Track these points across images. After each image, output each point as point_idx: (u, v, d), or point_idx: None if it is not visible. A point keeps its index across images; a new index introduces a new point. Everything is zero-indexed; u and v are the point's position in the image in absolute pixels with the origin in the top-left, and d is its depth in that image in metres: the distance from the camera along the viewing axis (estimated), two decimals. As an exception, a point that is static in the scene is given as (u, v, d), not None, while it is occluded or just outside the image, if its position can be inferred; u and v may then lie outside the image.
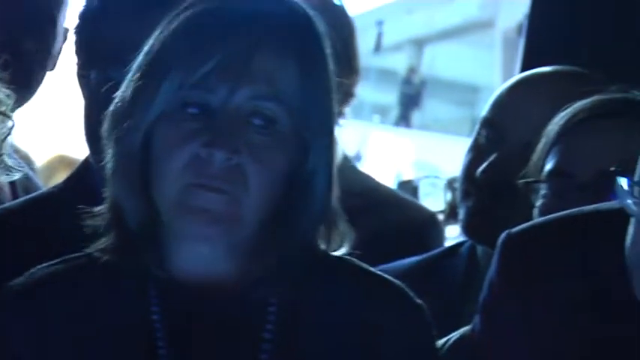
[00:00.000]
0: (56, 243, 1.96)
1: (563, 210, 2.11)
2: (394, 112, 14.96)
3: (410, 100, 14.31)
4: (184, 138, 1.81)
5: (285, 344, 1.87)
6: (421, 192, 4.73)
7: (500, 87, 2.53)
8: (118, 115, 1.87)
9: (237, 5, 1.87)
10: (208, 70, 1.80)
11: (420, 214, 2.88)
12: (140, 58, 1.87)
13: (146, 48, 1.87)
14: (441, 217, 3.73)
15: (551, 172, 2.22)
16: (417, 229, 2.75)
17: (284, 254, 1.86)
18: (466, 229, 2.47)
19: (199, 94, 1.82)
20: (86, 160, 2.28)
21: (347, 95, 2.69)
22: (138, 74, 1.86)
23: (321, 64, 1.87)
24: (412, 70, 13.91)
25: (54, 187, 2.38)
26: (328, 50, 1.87)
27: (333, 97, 1.88)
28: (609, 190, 1.91)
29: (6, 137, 2.18)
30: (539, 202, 2.20)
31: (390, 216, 2.74)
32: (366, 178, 2.89)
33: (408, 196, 3.31)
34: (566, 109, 2.24)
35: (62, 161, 4.98)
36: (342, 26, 2.71)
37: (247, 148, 1.80)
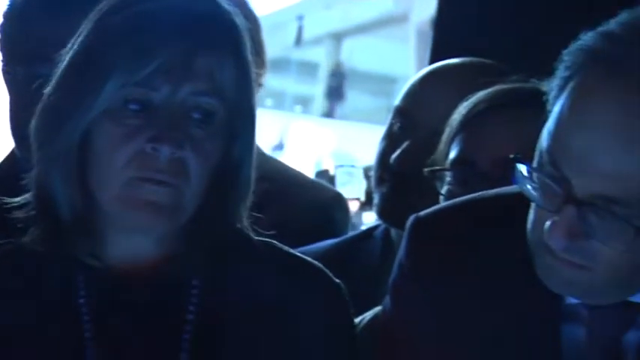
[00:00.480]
0: None
1: (465, 195, 2.09)
2: (315, 103, 14.95)
3: (335, 92, 14.30)
4: (128, 134, 1.80)
5: (208, 324, 1.87)
6: (338, 181, 4.72)
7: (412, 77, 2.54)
8: (52, 111, 1.86)
9: (173, 7, 1.87)
10: (153, 70, 1.80)
11: (324, 193, 2.89)
12: (72, 55, 1.85)
13: (78, 46, 1.85)
14: (358, 204, 3.73)
15: (454, 160, 2.23)
16: (323, 208, 2.75)
17: (211, 236, 1.87)
18: (380, 213, 2.46)
19: (142, 92, 1.81)
20: (12, 153, 2.27)
21: (257, 86, 2.72)
22: (74, 72, 1.86)
23: (248, 59, 1.87)
24: (338, 65, 13.89)
25: None
26: (249, 45, 1.88)
27: (254, 88, 1.90)
28: (509, 177, 1.90)
29: None
30: (444, 189, 2.21)
31: (297, 197, 2.74)
32: (274, 162, 2.89)
33: (313, 178, 3.31)
34: (469, 99, 2.25)
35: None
36: (254, 24, 2.72)
37: (189, 141, 1.81)
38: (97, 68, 1.83)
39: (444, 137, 2.25)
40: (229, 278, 1.90)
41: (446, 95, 2.42)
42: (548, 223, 1.66)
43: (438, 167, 2.23)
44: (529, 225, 1.72)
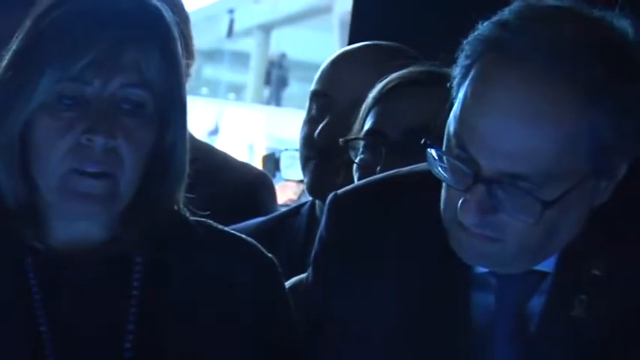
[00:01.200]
0: None
1: (376, 163, 2.18)
2: (247, 91, 14.94)
3: (280, 81, 14.33)
4: (64, 127, 1.79)
5: (151, 299, 1.86)
6: (282, 164, 4.72)
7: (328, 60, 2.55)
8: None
9: (101, 5, 1.86)
10: (84, 65, 1.79)
11: (250, 173, 2.90)
12: (11, 53, 1.84)
13: (16, 44, 1.84)
14: (302, 185, 3.73)
15: (367, 131, 2.23)
16: (249, 187, 2.76)
17: (151, 218, 1.86)
18: (310, 189, 2.48)
19: (76, 87, 1.80)
20: None
21: (186, 76, 2.73)
22: (10, 70, 1.84)
23: (176, 51, 1.87)
24: (282, 56, 13.88)
25: None
26: (177, 37, 1.88)
27: (183, 78, 1.89)
28: (415, 146, 1.92)
29: None
30: (357, 158, 2.22)
31: (225, 176, 2.74)
32: (202, 145, 2.88)
33: (236, 159, 3.33)
34: (384, 79, 2.27)
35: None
36: (181, 17, 2.72)
37: (121, 131, 1.79)
38: (32, 64, 1.82)
39: (361, 112, 2.27)
40: (169, 255, 1.89)
41: (356, 73, 2.44)
42: (460, 202, 1.67)
43: (352, 137, 2.24)
44: (442, 204, 1.73)
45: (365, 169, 2.21)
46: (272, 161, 4.88)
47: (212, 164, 2.72)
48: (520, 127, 1.63)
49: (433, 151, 1.69)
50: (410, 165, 1.97)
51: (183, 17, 2.75)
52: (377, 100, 2.26)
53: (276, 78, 14.38)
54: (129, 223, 1.86)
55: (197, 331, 1.87)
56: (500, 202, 1.66)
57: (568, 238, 1.73)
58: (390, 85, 2.26)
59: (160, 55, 1.82)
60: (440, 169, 1.69)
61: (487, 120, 1.64)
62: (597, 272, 1.73)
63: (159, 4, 1.89)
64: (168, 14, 1.87)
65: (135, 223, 1.86)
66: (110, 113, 1.79)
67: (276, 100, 14.59)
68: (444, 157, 1.68)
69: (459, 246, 1.72)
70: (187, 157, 1.90)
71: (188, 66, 2.74)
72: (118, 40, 1.80)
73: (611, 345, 1.74)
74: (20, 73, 1.83)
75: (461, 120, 1.67)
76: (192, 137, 2.91)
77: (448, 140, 1.68)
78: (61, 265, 1.86)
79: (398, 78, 2.26)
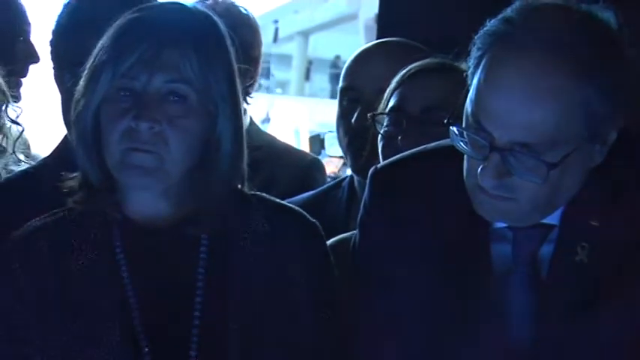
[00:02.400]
0: (47, 200, 1.91)
1: (397, 134, 2.17)
2: (291, 86, 14.96)
3: (334, 78, 14.34)
4: (120, 114, 1.79)
5: (217, 268, 1.85)
6: (327, 143, 4.84)
7: (348, 62, 2.52)
8: (75, 103, 1.85)
9: (151, 15, 1.86)
10: (131, 63, 1.79)
11: (306, 158, 2.87)
12: (90, 60, 1.85)
13: (93, 53, 1.85)
14: (342, 161, 3.73)
15: (391, 108, 2.21)
16: (306, 169, 2.73)
17: (205, 196, 1.84)
18: (354, 170, 2.45)
19: (127, 82, 1.80)
20: (65, 137, 2.22)
21: (252, 78, 2.69)
22: (87, 71, 1.84)
23: (220, 55, 1.85)
24: (337, 57, 13.85)
25: (44, 158, 2.32)
26: (226, 43, 1.86)
27: (233, 77, 1.87)
28: (430, 121, 2.05)
29: (18, 139, 2.16)
30: (382, 130, 2.20)
31: (286, 161, 2.71)
32: (265, 135, 2.86)
33: (294, 147, 3.32)
34: (405, 67, 2.25)
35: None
36: (245, 28, 2.68)
37: (166, 118, 1.78)
38: (97, 66, 1.82)
39: (385, 94, 2.24)
40: (229, 226, 1.86)
41: (377, 66, 2.40)
42: (479, 169, 1.66)
43: (379, 112, 2.22)
44: (465, 172, 1.72)
45: (388, 139, 2.20)
46: (317, 141, 4.91)
47: (275, 151, 2.71)
48: (526, 103, 1.62)
49: (455, 129, 1.68)
50: (425, 135, 1.99)
51: (250, 28, 2.73)
52: (399, 83, 2.23)
53: (332, 75, 14.36)
54: (185, 198, 1.84)
55: (254, 291, 1.86)
56: (513, 167, 1.65)
57: (570, 195, 1.71)
58: (411, 72, 2.24)
59: (196, 55, 1.80)
60: (461, 143, 1.68)
61: (498, 100, 1.64)
62: (595, 223, 1.71)
63: (204, 13, 1.89)
64: (216, 25, 1.86)
65: (190, 199, 1.83)
66: (155, 103, 1.79)
67: (331, 93, 14.58)
68: (465, 133, 1.67)
69: (480, 206, 1.71)
70: (243, 148, 1.89)
71: (255, 70, 2.74)
72: (158, 43, 1.79)
73: (609, 284, 1.71)
74: (90, 73, 1.83)
75: (476, 101, 1.66)
76: (258, 129, 2.92)
77: (467, 119, 1.67)
78: (139, 235, 1.85)
79: (418, 66, 2.25)
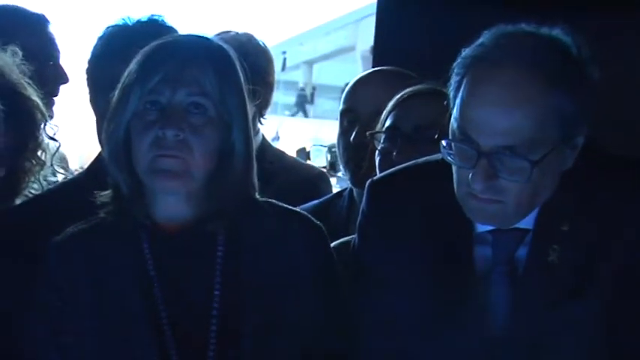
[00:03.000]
0: (80, 210, 1.90)
1: (393, 150, 2.17)
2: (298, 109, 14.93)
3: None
4: (148, 126, 1.79)
5: (232, 265, 1.83)
6: (312, 155, 4.90)
7: (347, 87, 2.51)
8: (107, 121, 1.85)
9: (174, 41, 1.87)
10: (157, 81, 1.79)
11: (312, 172, 2.85)
12: (120, 83, 1.85)
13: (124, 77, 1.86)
14: (325, 170, 3.75)
15: (387, 127, 2.19)
16: (311, 182, 2.71)
17: (221, 199, 1.83)
18: (353, 183, 2.43)
19: (153, 97, 1.79)
20: (99, 154, 2.22)
21: (265, 100, 2.68)
22: (117, 93, 1.84)
23: (232, 74, 1.85)
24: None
25: (79, 173, 2.32)
26: (236, 65, 1.86)
27: (243, 94, 1.86)
28: (421, 138, 2.07)
29: (55, 153, 2.16)
30: (379, 146, 2.18)
31: (292, 175, 2.68)
32: (276, 150, 2.84)
33: (303, 161, 3.29)
34: (397, 92, 2.25)
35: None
36: (260, 56, 2.68)
37: (189, 127, 1.78)
38: (126, 87, 1.82)
39: (383, 114, 2.23)
40: (242, 227, 1.85)
41: (372, 91, 2.38)
42: (470, 175, 1.65)
43: (376, 131, 2.21)
44: (455, 183, 1.71)
45: (384, 154, 2.18)
46: (303, 153, 5.02)
47: (285, 165, 2.69)
48: (505, 111, 1.62)
49: (444, 142, 1.67)
50: (417, 151, 1.98)
51: (264, 57, 2.71)
52: (395, 106, 2.21)
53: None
54: (205, 201, 1.82)
55: (266, 285, 1.84)
56: (499, 170, 1.63)
57: (546, 196, 1.71)
58: (405, 96, 2.22)
59: (214, 73, 1.80)
60: (450, 156, 1.67)
61: (481, 110, 1.63)
62: (565, 228, 1.70)
63: (218, 41, 1.89)
64: (222, 47, 1.86)
65: (209, 202, 1.82)
66: (179, 114, 1.79)
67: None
68: (452, 145, 1.66)
69: (471, 211, 1.70)
70: (252, 157, 1.88)
71: (268, 94, 2.71)
72: (181, 63, 1.79)
73: (577, 282, 1.70)
74: (121, 93, 1.83)
75: (461, 116, 1.65)
76: (270, 145, 2.90)
77: (453, 134, 1.66)
78: (164, 236, 1.84)
79: (411, 91, 2.23)
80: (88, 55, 2.23)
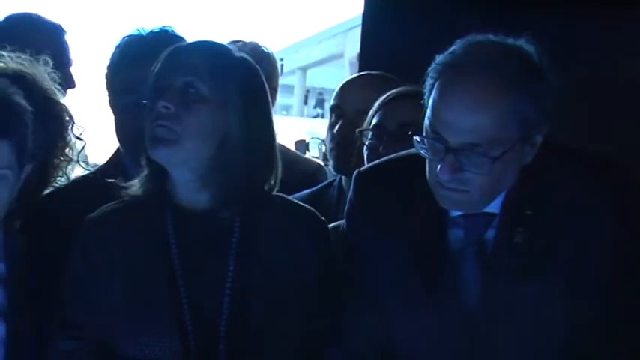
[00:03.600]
0: (103, 197, 1.92)
1: (379, 146, 2.15)
2: (293, 109, 14.84)
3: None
4: (154, 105, 1.79)
5: (246, 248, 1.83)
6: (310, 146, 4.98)
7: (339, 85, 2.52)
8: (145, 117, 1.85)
9: (178, 47, 1.86)
10: (159, 70, 1.80)
11: (312, 165, 2.84)
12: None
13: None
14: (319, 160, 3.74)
15: (374, 125, 2.18)
16: (312, 174, 2.70)
17: (231, 187, 1.82)
18: (335, 169, 2.43)
19: (156, 82, 1.79)
20: (117, 150, 2.22)
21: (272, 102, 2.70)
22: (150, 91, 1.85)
23: (234, 71, 1.83)
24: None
25: (101, 165, 2.32)
26: (238, 67, 1.84)
27: (247, 93, 1.84)
28: (405, 135, 2.01)
29: (81, 151, 2.17)
30: (367, 142, 2.17)
31: (296, 168, 2.67)
32: (279, 146, 2.81)
33: (303, 155, 3.28)
34: (372, 92, 2.25)
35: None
36: (265, 62, 2.65)
37: (182, 104, 1.77)
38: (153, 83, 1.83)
39: (370, 113, 2.22)
40: (257, 218, 1.85)
41: (357, 92, 2.38)
42: (438, 168, 1.65)
43: (364, 129, 2.20)
44: (427, 173, 1.70)
45: (372, 150, 2.16)
46: (303, 144, 5.09)
47: (286, 159, 2.67)
48: (470, 112, 1.62)
49: (417, 138, 1.67)
50: (401, 146, 1.96)
51: (269, 63, 2.69)
52: (380, 106, 2.20)
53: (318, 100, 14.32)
54: (219, 189, 1.81)
55: (275, 266, 1.84)
56: (464, 164, 1.63)
57: (507, 186, 1.70)
58: (390, 97, 2.21)
59: (212, 64, 1.80)
60: (423, 150, 1.67)
61: (449, 111, 1.63)
62: (529, 212, 1.70)
63: (224, 45, 1.88)
64: (227, 50, 1.85)
65: (222, 190, 1.81)
66: (172, 91, 1.78)
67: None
68: (425, 141, 1.66)
69: (440, 199, 1.70)
70: (260, 146, 1.86)
71: (274, 94, 2.67)
72: (182, 53, 1.81)
73: (540, 260, 1.70)
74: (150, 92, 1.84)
75: (432, 115, 1.65)
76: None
77: (426, 130, 1.66)
78: (186, 218, 1.83)
79: (395, 92, 2.22)
80: (106, 62, 2.22)
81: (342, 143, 2.33)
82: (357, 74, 2.53)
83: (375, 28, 3.07)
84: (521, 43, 1.66)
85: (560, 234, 1.69)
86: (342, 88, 2.45)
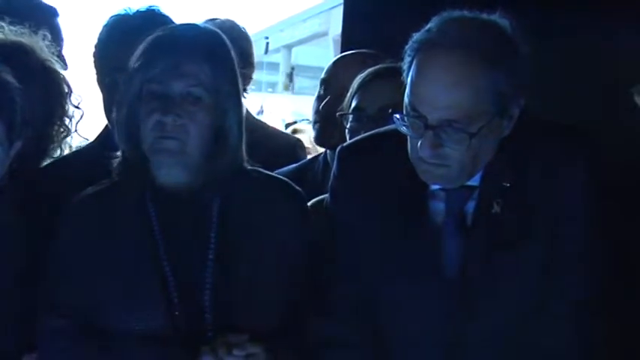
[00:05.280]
0: (93, 172, 1.92)
1: (360, 129, 2.12)
2: (278, 86, 14.84)
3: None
4: (151, 111, 1.79)
5: (226, 226, 1.84)
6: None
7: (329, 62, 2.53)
8: (117, 101, 1.86)
9: (172, 34, 1.85)
10: (157, 72, 1.79)
11: (290, 140, 2.84)
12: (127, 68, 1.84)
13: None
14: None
15: (354, 108, 2.17)
16: (291, 148, 2.71)
17: (217, 171, 1.82)
18: (316, 141, 2.45)
19: (154, 86, 1.79)
20: (106, 127, 2.21)
21: (248, 78, 2.67)
22: (125, 76, 1.84)
23: (226, 64, 1.83)
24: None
25: (90, 142, 2.31)
26: (231, 54, 1.84)
27: (237, 82, 1.85)
28: (385, 117, 1.99)
29: (79, 120, 2.13)
30: (348, 126, 2.17)
31: (275, 142, 2.68)
32: (258, 121, 2.82)
33: (281, 130, 3.29)
34: (363, 72, 2.22)
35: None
36: (243, 41, 2.66)
37: (187, 114, 1.78)
38: (131, 73, 1.82)
39: (348, 94, 2.20)
40: (235, 189, 1.84)
41: (345, 68, 2.38)
42: (418, 144, 1.65)
43: (344, 112, 2.19)
44: (409, 149, 1.71)
45: (353, 132, 2.15)
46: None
47: (266, 134, 2.67)
48: (447, 89, 1.61)
49: (397, 115, 1.67)
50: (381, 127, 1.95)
51: (246, 41, 2.70)
52: (359, 87, 2.19)
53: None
54: (201, 172, 1.81)
55: (253, 238, 1.84)
56: (443, 140, 1.63)
57: (487, 159, 1.70)
58: (367, 78, 2.20)
59: (210, 66, 1.79)
60: (403, 127, 1.67)
61: (427, 88, 1.63)
62: (507, 184, 1.71)
63: (214, 31, 1.87)
64: (224, 39, 1.84)
65: (205, 173, 1.81)
66: (178, 102, 1.78)
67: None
68: (405, 118, 1.66)
69: (422, 173, 1.70)
70: (243, 133, 1.87)
71: (250, 73, 2.73)
72: (179, 55, 1.79)
73: (518, 230, 1.72)
74: (126, 80, 1.83)
75: (411, 93, 1.65)
76: (253, 117, 2.88)
77: (406, 108, 1.66)
78: (167, 199, 1.84)
79: (372, 72, 2.20)
80: (94, 41, 2.21)
81: (325, 118, 2.34)
82: (351, 52, 2.53)
83: (356, 5, 3.08)
84: (495, 17, 1.66)
85: (537, 203, 1.70)
86: (335, 63, 2.46)
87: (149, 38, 1.83)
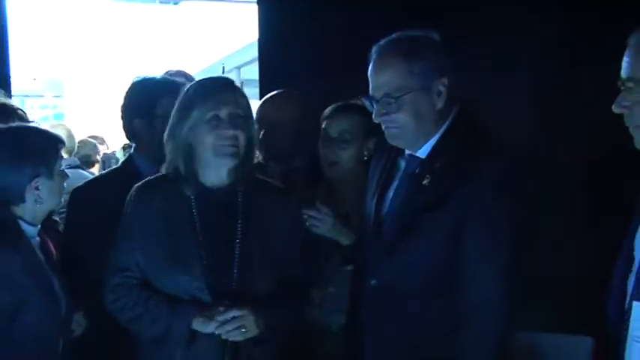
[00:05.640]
0: (120, 195, 2.13)
1: (326, 147, 2.43)
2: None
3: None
4: (211, 128, 2.03)
5: (248, 214, 2.07)
6: None
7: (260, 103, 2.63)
8: (171, 130, 2.09)
9: (210, 80, 2.12)
10: (214, 103, 2.05)
11: None
12: (176, 107, 2.09)
13: (178, 104, 2.09)
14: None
15: (322, 131, 2.46)
16: None
17: (245, 172, 2.09)
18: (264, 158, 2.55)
19: (214, 112, 2.05)
20: (131, 155, 2.51)
21: None
22: (176, 113, 2.09)
23: (245, 95, 2.11)
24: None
25: (114, 168, 2.62)
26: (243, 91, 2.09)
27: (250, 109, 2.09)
28: (343, 140, 2.39)
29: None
30: (322, 143, 2.45)
31: None
32: None
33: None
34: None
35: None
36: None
37: (240, 130, 2.05)
38: (185, 109, 2.06)
39: (321, 119, 2.46)
40: (254, 192, 2.10)
41: (270, 107, 2.59)
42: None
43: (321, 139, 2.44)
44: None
45: (323, 149, 2.45)
46: None
47: None
48: (379, 72, 1.91)
49: (365, 100, 1.99)
50: (340, 148, 2.36)
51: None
52: (327, 117, 2.48)
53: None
54: (234, 173, 2.05)
55: (265, 225, 2.07)
56: (385, 107, 1.91)
57: (429, 126, 1.94)
58: (332, 109, 2.49)
59: (241, 96, 2.07)
60: (369, 106, 1.97)
61: (371, 77, 1.94)
62: (438, 165, 1.97)
63: (227, 77, 2.16)
64: (231, 80, 2.11)
65: (237, 173, 2.06)
66: (232, 121, 2.03)
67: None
68: (369, 100, 1.96)
69: (386, 136, 1.99)
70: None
71: None
72: (224, 91, 2.05)
73: (438, 200, 1.94)
74: (181, 113, 2.06)
75: (370, 84, 1.95)
76: None
77: (368, 92, 1.95)
78: (205, 192, 2.06)
79: (334, 107, 2.49)
80: (124, 95, 2.47)
81: (263, 148, 2.48)
82: (271, 94, 2.65)
83: (270, 54, 3.35)
84: (425, 30, 1.93)
85: (454, 186, 1.88)
86: (261, 104, 2.61)
87: (190, 86, 2.07)
